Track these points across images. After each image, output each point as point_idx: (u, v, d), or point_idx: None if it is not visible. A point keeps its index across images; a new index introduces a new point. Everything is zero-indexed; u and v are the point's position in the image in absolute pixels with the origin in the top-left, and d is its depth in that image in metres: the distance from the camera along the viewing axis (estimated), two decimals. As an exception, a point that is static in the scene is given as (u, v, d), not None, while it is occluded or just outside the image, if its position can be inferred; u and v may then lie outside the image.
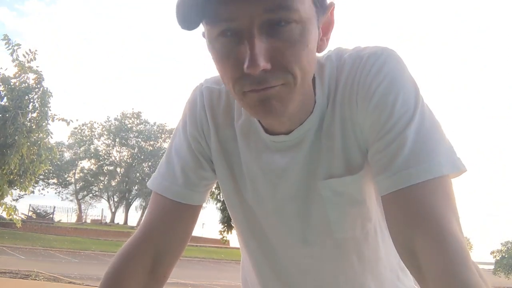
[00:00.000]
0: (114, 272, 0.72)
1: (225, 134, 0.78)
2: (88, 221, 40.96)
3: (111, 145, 44.01)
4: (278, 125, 0.71)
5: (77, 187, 42.70)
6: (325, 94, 0.71)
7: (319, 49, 0.65)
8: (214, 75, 0.81)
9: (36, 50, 8.68)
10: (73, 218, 40.20)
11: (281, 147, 0.73)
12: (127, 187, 41.97)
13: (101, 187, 43.75)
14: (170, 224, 0.76)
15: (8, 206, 8.61)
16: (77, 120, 14.02)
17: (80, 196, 42.73)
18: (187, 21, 0.57)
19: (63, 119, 9.33)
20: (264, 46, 0.56)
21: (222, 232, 14.09)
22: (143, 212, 37.81)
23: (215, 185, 0.86)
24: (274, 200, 0.76)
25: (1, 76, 8.78)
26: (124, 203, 42.66)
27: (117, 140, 43.62)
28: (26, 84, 8.89)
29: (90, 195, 43.79)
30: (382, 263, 0.83)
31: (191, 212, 0.79)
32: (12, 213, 8.65)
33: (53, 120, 9.26)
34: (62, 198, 42.04)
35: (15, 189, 9.34)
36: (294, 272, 0.82)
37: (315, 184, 0.73)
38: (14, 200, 15.99)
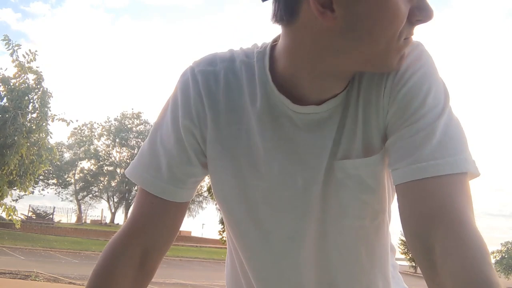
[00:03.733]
0: (103, 269, 0.71)
1: (230, 118, 0.71)
2: (88, 221, 40.98)
3: (111, 145, 44.04)
4: (318, 92, 0.67)
5: (77, 188, 42.71)
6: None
7: None
8: (202, 57, 0.76)
9: (36, 51, 8.70)
10: (73, 219, 40.30)
11: (310, 122, 0.69)
12: (127, 187, 41.93)
13: (101, 187, 43.76)
14: (157, 219, 0.74)
15: (8, 206, 8.61)
16: (77, 120, 14.05)
17: (80, 197, 42.75)
18: None
19: (63, 120, 9.34)
20: None
21: (222, 233, 14.09)
22: (143, 213, 37.56)
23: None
24: (299, 182, 0.71)
25: (1, 76, 8.78)
26: (124, 203, 42.63)
27: (117, 140, 43.62)
28: (26, 85, 8.89)
29: (90, 195, 43.83)
30: (389, 261, 0.80)
31: (179, 208, 0.75)
32: (12, 213, 8.65)
33: (52, 121, 9.28)
34: (62, 198, 42.11)
35: (15, 190, 9.34)
36: (296, 266, 0.76)
37: (332, 165, 0.70)
38: (13, 200, 16.00)
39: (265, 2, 0.64)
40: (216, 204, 14.40)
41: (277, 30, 0.68)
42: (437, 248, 0.56)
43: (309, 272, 0.77)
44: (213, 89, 0.72)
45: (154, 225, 0.74)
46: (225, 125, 0.72)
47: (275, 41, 0.72)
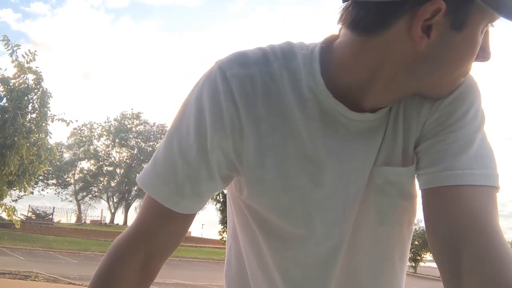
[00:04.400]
0: (105, 271, 0.71)
1: (271, 125, 0.66)
2: (88, 221, 40.96)
3: (110, 145, 44.04)
4: (377, 101, 0.66)
5: (77, 188, 42.71)
6: None
7: None
8: (230, 56, 0.69)
9: (35, 51, 8.69)
10: (72, 219, 40.26)
11: (363, 129, 0.68)
12: (126, 187, 41.95)
13: (100, 187, 43.75)
14: (163, 227, 0.72)
15: (7, 206, 8.61)
16: (76, 120, 14.07)
17: (79, 197, 42.74)
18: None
19: (62, 120, 9.33)
20: None
21: (222, 233, 14.09)
22: (142, 213, 37.64)
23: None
24: (352, 190, 0.70)
25: (0, 76, 8.78)
26: (124, 203, 42.66)
27: (116, 140, 43.62)
28: (26, 85, 8.89)
29: (90, 195, 43.83)
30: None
31: (187, 217, 0.73)
32: (12, 213, 8.64)
33: (52, 121, 9.27)
34: (61, 198, 42.14)
35: (15, 190, 9.33)
36: (333, 274, 0.74)
37: (372, 170, 0.69)
38: (13, 201, 16.00)
39: (344, 2, 0.61)
40: (216, 204, 14.42)
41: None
42: (465, 254, 0.57)
43: (345, 278, 0.75)
44: (250, 94, 0.66)
45: (160, 232, 0.72)
46: (267, 133, 0.66)
47: (324, 43, 0.68)
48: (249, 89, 0.66)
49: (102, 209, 45.01)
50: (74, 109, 66.97)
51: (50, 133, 9.24)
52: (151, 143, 43.07)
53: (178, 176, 0.69)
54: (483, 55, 0.63)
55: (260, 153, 0.67)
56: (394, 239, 0.74)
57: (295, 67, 0.67)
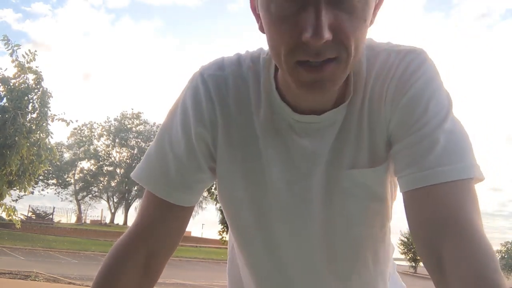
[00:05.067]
0: (108, 271, 0.72)
1: (239, 123, 0.72)
2: (88, 221, 40.92)
3: (110, 145, 44.02)
4: (311, 103, 0.68)
5: (77, 188, 42.67)
6: (352, 82, 0.69)
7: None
8: (210, 62, 0.75)
9: (35, 51, 8.68)
10: (72, 219, 40.23)
11: (309, 130, 0.70)
12: (126, 187, 41.92)
13: (100, 187, 43.72)
14: (162, 222, 0.74)
15: (7, 206, 8.60)
16: (76, 120, 14.06)
17: (79, 197, 42.71)
18: None
19: (62, 120, 9.32)
20: (328, 16, 0.53)
21: (221, 233, 14.12)
22: (142, 213, 37.55)
23: (214, 186, 0.82)
24: (296, 189, 0.72)
25: (0, 76, 8.78)
26: (124, 203, 42.63)
27: (116, 140, 43.60)
28: (26, 85, 8.88)
29: (90, 195, 43.79)
30: (390, 266, 0.82)
31: (184, 211, 0.76)
32: (12, 213, 8.64)
33: (52, 121, 9.25)
34: (61, 198, 42.07)
35: (15, 190, 9.33)
36: (302, 272, 0.77)
37: (337, 174, 0.70)
38: (13, 200, 16.00)
39: None
40: (216, 204, 14.45)
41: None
42: (446, 255, 0.57)
43: (314, 281, 0.77)
44: (223, 93, 0.72)
45: (160, 228, 0.74)
46: (235, 130, 0.72)
47: None
48: (223, 89, 0.72)
49: (102, 209, 45.01)
50: (74, 109, 67.01)
51: (51, 133, 9.22)
52: (151, 143, 42.91)
53: (170, 169, 0.73)
54: (306, 30, 0.53)
55: (229, 147, 0.73)
56: (366, 241, 0.76)
57: (258, 70, 0.73)
